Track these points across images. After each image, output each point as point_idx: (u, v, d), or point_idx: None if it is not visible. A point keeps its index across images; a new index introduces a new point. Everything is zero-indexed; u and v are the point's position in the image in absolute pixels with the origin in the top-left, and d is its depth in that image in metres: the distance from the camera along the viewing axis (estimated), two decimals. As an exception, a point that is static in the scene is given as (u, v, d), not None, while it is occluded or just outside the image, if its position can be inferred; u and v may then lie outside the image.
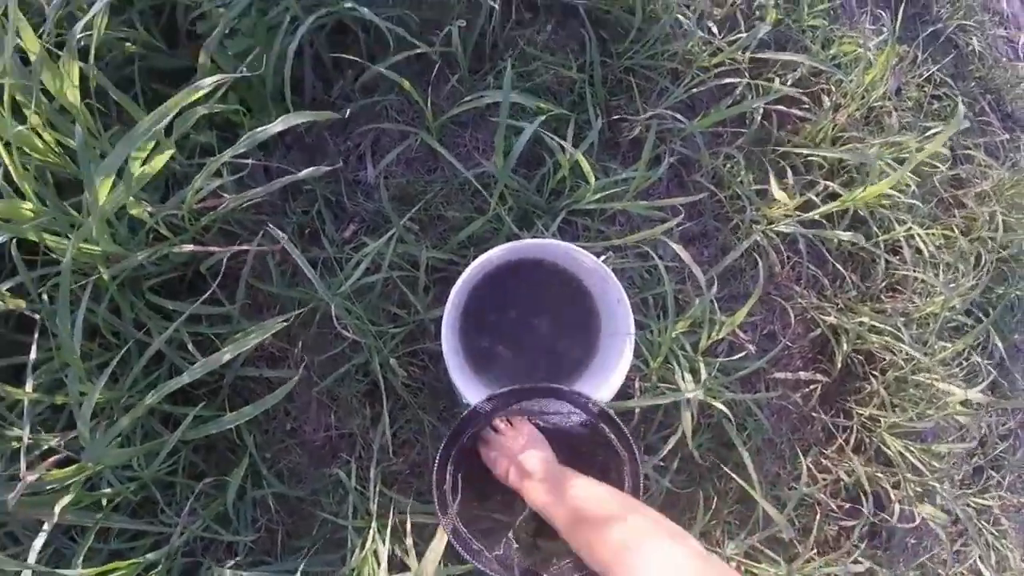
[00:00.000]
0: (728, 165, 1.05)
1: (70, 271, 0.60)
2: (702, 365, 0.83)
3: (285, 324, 0.71)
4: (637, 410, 0.88)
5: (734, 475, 0.95)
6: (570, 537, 0.52)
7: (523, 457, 0.66)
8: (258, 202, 0.90)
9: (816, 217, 1.01)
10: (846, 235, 1.00)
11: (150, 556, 0.72)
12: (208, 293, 0.74)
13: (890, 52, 1.19)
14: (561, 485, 0.58)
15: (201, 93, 0.64)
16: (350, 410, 0.91)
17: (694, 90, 1.05)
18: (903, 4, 1.46)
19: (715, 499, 0.94)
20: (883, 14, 1.33)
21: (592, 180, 0.84)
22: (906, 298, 1.11)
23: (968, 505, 1.04)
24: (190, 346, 0.79)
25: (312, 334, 0.89)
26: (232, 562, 0.81)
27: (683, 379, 0.82)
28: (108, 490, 0.74)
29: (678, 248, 0.83)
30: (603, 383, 0.77)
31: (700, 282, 0.83)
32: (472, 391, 0.78)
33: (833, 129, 1.15)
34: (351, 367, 0.87)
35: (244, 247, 0.81)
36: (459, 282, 0.76)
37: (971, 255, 1.17)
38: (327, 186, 0.95)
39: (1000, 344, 1.25)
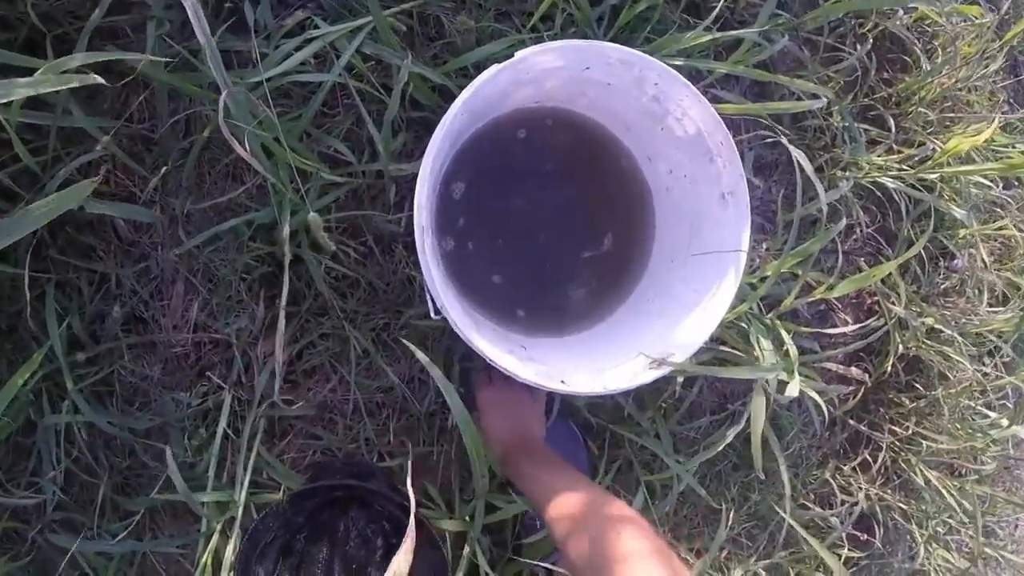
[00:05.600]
0: (839, 85, 0.79)
1: None
2: (783, 332, 0.57)
3: (98, 81, 0.35)
4: (680, 380, 0.61)
5: (757, 486, 0.72)
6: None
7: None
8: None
9: (931, 179, 0.77)
10: (960, 212, 0.77)
11: None
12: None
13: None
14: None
15: None
16: (233, 301, 0.56)
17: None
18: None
19: (731, 511, 0.71)
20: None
21: None
22: (969, 307, 0.93)
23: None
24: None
25: (190, 161, 0.52)
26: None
27: (759, 345, 0.55)
28: None
29: (799, 155, 0.55)
30: (673, 326, 0.48)
31: (820, 200, 0.56)
32: (451, 299, 0.46)
33: (936, 90, 0.92)
34: (242, 224, 0.51)
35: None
36: (458, 103, 0.42)
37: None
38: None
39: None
